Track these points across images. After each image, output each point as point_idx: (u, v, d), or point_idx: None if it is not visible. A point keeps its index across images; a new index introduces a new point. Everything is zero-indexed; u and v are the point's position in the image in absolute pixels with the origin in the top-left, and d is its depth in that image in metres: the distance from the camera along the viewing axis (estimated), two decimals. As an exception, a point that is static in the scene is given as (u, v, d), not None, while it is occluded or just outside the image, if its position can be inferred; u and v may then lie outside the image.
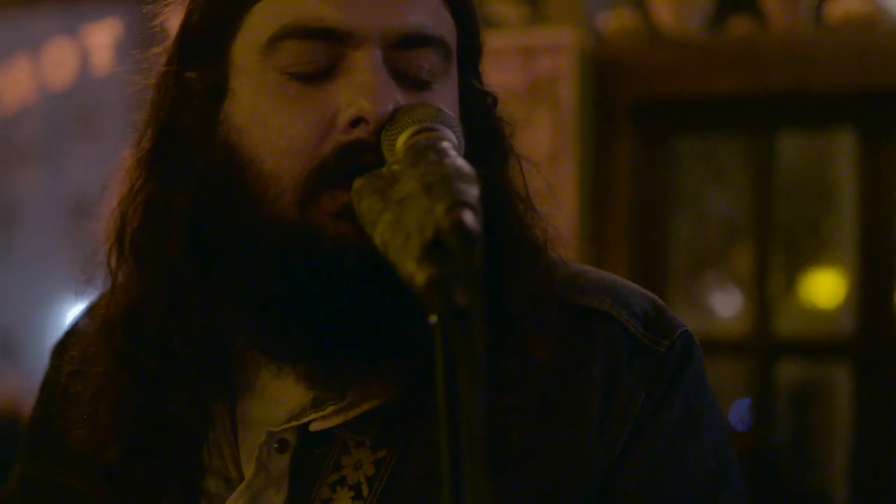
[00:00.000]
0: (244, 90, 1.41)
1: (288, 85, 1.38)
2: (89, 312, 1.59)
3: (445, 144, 1.25)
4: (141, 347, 1.46)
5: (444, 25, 1.43)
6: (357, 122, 1.35)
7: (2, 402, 6.11)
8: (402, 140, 1.29)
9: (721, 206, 5.94)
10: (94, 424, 1.48)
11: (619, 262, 4.05)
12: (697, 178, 5.54)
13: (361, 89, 1.35)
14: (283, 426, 1.44)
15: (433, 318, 1.05)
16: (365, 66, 1.37)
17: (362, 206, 1.27)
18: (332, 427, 1.43)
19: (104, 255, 1.51)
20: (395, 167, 1.26)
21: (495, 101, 1.52)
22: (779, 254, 4.55)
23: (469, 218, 1.08)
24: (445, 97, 1.42)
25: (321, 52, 1.37)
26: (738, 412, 4.39)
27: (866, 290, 4.05)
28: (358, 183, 1.31)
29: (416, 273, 1.08)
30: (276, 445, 1.44)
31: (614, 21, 4.22)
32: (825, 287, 6.46)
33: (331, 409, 1.42)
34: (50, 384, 1.63)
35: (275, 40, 1.38)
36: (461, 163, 1.19)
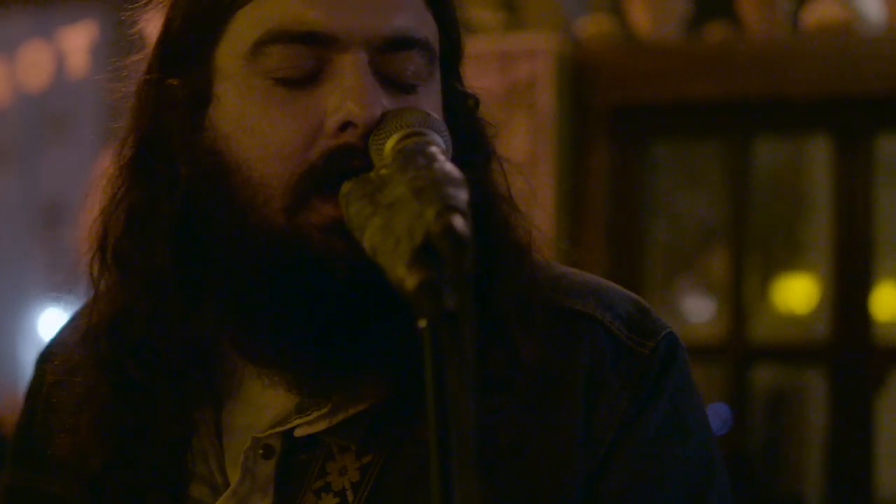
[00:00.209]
0: (229, 96, 1.40)
1: (274, 90, 1.38)
2: (72, 321, 1.58)
3: (434, 149, 1.25)
4: (124, 356, 1.46)
5: (427, 28, 1.43)
6: (345, 126, 1.35)
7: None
8: (390, 144, 1.29)
9: (697, 210, 5.96)
10: (78, 433, 1.47)
11: (596, 266, 4.06)
12: (674, 182, 5.56)
13: (349, 93, 1.35)
14: (268, 432, 1.44)
15: (422, 323, 1.05)
16: (351, 70, 1.36)
17: (351, 210, 1.27)
18: (317, 432, 1.43)
19: (86, 264, 1.50)
20: (384, 171, 1.26)
21: (477, 102, 1.52)
22: (754, 259, 4.57)
23: (459, 222, 1.08)
24: (430, 100, 1.42)
25: (307, 56, 1.37)
26: (714, 416, 4.40)
27: (841, 296, 4.07)
28: (346, 187, 1.30)
29: (407, 277, 1.08)
30: (261, 451, 1.44)
31: (592, 26, 4.23)
32: (799, 292, 6.48)
33: (315, 414, 1.42)
34: (34, 393, 1.62)
35: (260, 45, 1.38)
36: (450, 167, 1.19)
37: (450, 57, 1.49)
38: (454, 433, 1.02)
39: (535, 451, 1.40)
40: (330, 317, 1.35)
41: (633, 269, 4.18)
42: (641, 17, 4.19)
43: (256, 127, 1.38)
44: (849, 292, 4.05)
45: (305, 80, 1.37)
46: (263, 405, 1.45)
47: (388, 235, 1.16)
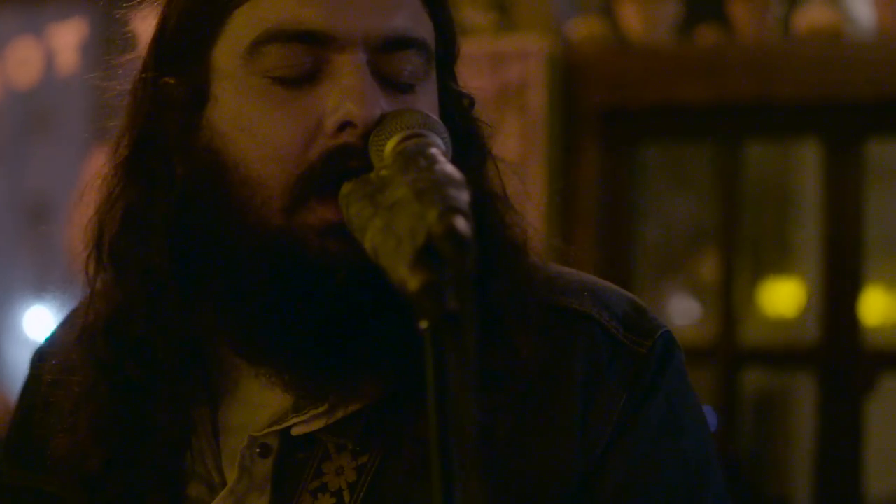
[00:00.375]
0: (227, 95, 1.40)
1: (272, 89, 1.37)
2: (69, 320, 1.58)
3: (434, 150, 1.25)
4: (121, 355, 1.45)
5: (424, 28, 1.43)
6: (344, 126, 1.35)
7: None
8: (390, 145, 1.29)
9: (686, 213, 5.96)
10: (75, 433, 1.47)
11: (585, 267, 4.04)
12: (664, 185, 5.56)
13: (348, 93, 1.35)
14: (266, 430, 1.44)
15: (424, 324, 1.05)
16: (350, 70, 1.36)
17: (351, 210, 1.27)
18: (314, 431, 1.43)
19: (82, 263, 1.50)
20: (385, 173, 1.26)
21: (472, 102, 1.52)
22: (743, 262, 4.58)
23: (461, 224, 1.08)
24: (427, 99, 1.42)
25: (304, 55, 1.37)
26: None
27: (831, 300, 4.08)
28: (346, 188, 1.30)
29: (409, 278, 1.08)
30: (258, 450, 1.44)
31: (583, 28, 4.23)
32: (786, 296, 6.49)
33: (312, 413, 1.42)
34: (29, 392, 1.62)
35: (257, 45, 1.38)
36: (451, 169, 1.19)
37: (445, 57, 1.49)
38: (455, 434, 1.03)
39: (532, 450, 1.40)
40: (327, 317, 1.35)
41: (621, 270, 4.18)
42: (633, 20, 4.19)
43: (254, 126, 1.37)
44: (838, 296, 4.06)
45: (303, 80, 1.37)
46: (260, 404, 1.45)
47: (389, 236, 1.16)
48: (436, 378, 1.04)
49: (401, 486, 1.40)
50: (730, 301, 4.18)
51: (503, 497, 1.39)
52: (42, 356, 1.61)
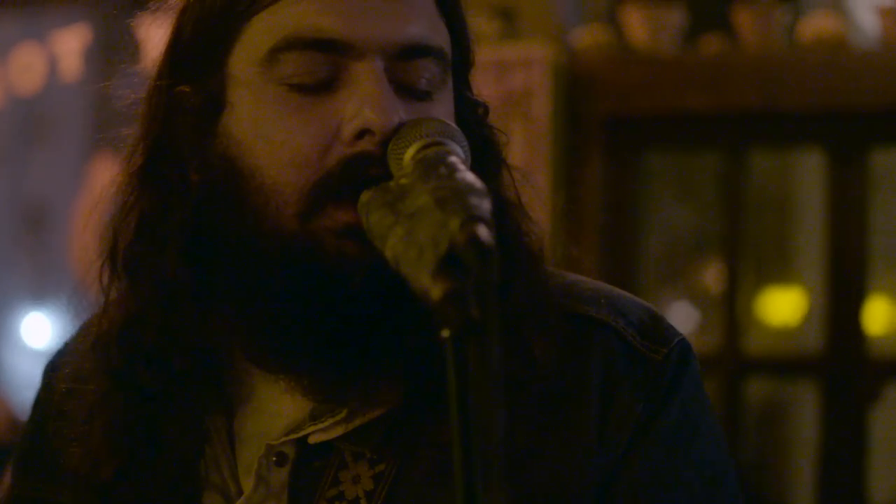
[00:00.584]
0: (243, 102, 1.40)
1: (289, 96, 1.37)
2: (82, 330, 1.57)
3: (454, 159, 1.25)
4: (135, 364, 1.45)
5: (441, 36, 1.43)
6: (363, 133, 1.35)
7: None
8: (409, 154, 1.29)
9: (689, 222, 5.96)
10: (89, 442, 1.46)
11: (588, 276, 4.04)
12: (667, 194, 5.57)
13: (366, 101, 1.35)
14: (282, 439, 1.43)
15: (445, 333, 1.05)
16: (368, 78, 1.36)
17: (371, 219, 1.27)
18: (331, 439, 1.42)
19: (96, 272, 1.49)
20: (404, 181, 1.26)
21: (487, 110, 1.52)
22: (746, 271, 4.57)
23: (484, 232, 1.08)
24: (444, 107, 1.42)
25: (322, 63, 1.37)
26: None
27: (834, 309, 4.07)
28: (366, 196, 1.30)
29: (432, 287, 1.08)
30: (274, 459, 1.43)
31: (587, 37, 4.23)
32: (786, 305, 6.49)
33: (330, 420, 1.41)
34: (42, 402, 1.61)
35: (275, 52, 1.38)
36: (472, 177, 1.19)
37: (460, 65, 1.49)
38: (477, 443, 1.02)
39: (548, 456, 1.40)
40: (344, 321, 1.35)
41: (624, 278, 4.17)
42: (637, 29, 4.19)
43: (271, 133, 1.37)
44: (842, 305, 4.05)
45: (321, 88, 1.37)
46: (276, 412, 1.45)
47: (411, 245, 1.16)
48: (458, 386, 1.04)
49: (418, 494, 1.39)
50: (733, 310, 4.18)
51: (522, 503, 1.38)
52: (55, 366, 1.61)
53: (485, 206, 1.12)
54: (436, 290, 1.07)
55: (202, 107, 1.42)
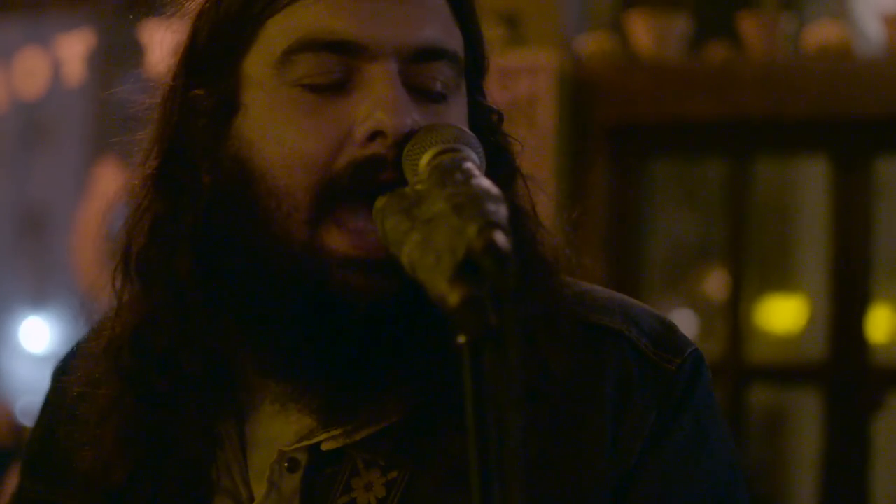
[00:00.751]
0: (257, 104, 1.40)
1: (302, 97, 1.37)
2: (93, 332, 1.57)
3: (470, 165, 1.25)
4: (147, 367, 1.45)
5: (455, 40, 1.43)
6: (375, 135, 1.34)
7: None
8: (425, 160, 1.29)
9: (693, 230, 5.96)
10: (100, 446, 1.46)
11: (592, 283, 4.04)
12: (671, 201, 5.57)
13: (379, 103, 1.35)
14: (295, 445, 1.43)
15: (461, 339, 1.05)
16: (381, 80, 1.36)
17: (387, 224, 1.26)
18: (343, 446, 1.42)
19: (108, 275, 1.49)
20: (420, 187, 1.26)
21: (501, 117, 1.52)
22: (750, 278, 4.57)
23: (501, 238, 1.08)
24: (457, 111, 1.42)
25: (336, 64, 1.37)
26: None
27: (837, 317, 4.07)
28: (380, 202, 1.30)
29: (449, 294, 1.08)
30: (286, 465, 1.43)
31: (593, 44, 4.23)
32: (787, 313, 6.49)
33: (341, 428, 1.41)
34: (52, 405, 1.61)
35: (289, 53, 1.38)
36: (488, 183, 1.19)
37: (474, 71, 1.49)
38: (494, 450, 1.02)
39: (562, 466, 1.40)
40: (350, 343, 1.35)
41: (628, 285, 4.17)
42: (642, 36, 4.20)
43: (282, 134, 1.37)
44: (845, 313, 4.06)
45: (334, 89, 1.37)
46: (288, 418, 1.44)
47: (427, 251, 1.16)
48: (474, 393, 1.04)
49: (431, 501, 1.39)
50: (737, 317, 4.18)
51: None
52: (65, 369, 1.60)
53: (502, 212, 1.12)
54: (453, 297, 1.07)
55: (216, 109, 1.43)
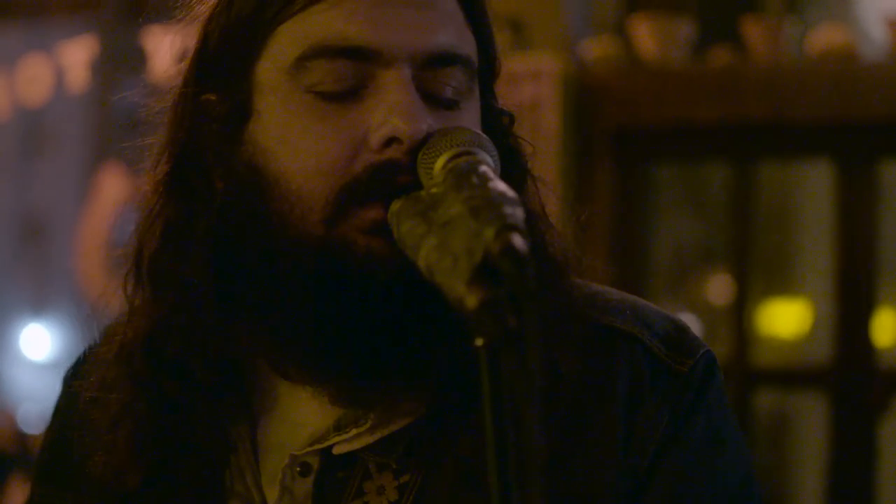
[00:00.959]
0: (270, 110, 1.40)
1: (316, 104, 1.37)
2: (104, 337, 1.57)
3: (485, 168, 1.25)
4: (160, 372, 1.45)
5: (468, 45, 1.43)
6: (390, 141, 1.34)
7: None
8: (440, 163, 1.29)
9: (697, 233, 5.96)
10: (113, 451, 1.46)
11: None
12: (675, 205, 5.57)
13: (394, 109, 1.35)
14: (307, 449, 1.43)
15: (479, 341, 1.05)
16: (396, 86, 1.36)
17: (402, 228, 1.26)
18: (355, 450, 1.42)
19: (121, 280, 1.49)
20: (436, 190, 1.26)
21: (512, 120, 1.52)
22: (755, 282, 4.57)
23: (519, 241, 1.08)
24: (471, 116, 1.42)
25: (350, 70, 1.37)
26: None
27: (842, 321, 4.07)
28: (396, 205, 1.30)
29: (467, 296, 1.08)
30: (298, 468, 1.43)
31: (597, 48, 4.23)
32: (794, 316, 6.49)
33: (354, 431, 1.41)
34: (64, 410, 1.61)
35: (303, 60, 1.37)
36: (504, 186, 1.19)
37: (486, 74, 1.49)
38: (513, 453, 1.02)
39: (575, 468, 1.40)
40: (371, 325, 1.34)
41: (632, 289, 4.15)
42: (646, 40, 4.20)
43: (297, 140, 1.37)
44: (850, 317, 4.06)
45: (348, 95, 1.37)
46: (301, 422, 1.44)
47: (444, 254, 1.16)
48: (492, 396, 1.04)
49: None
50: (741, 321, 4.18)
51: None
52: (76, 374, 1.60)
53: (519, 214, 1.12)
54: (471, 299, 1.07)
55: (228, 115, 1.42)
